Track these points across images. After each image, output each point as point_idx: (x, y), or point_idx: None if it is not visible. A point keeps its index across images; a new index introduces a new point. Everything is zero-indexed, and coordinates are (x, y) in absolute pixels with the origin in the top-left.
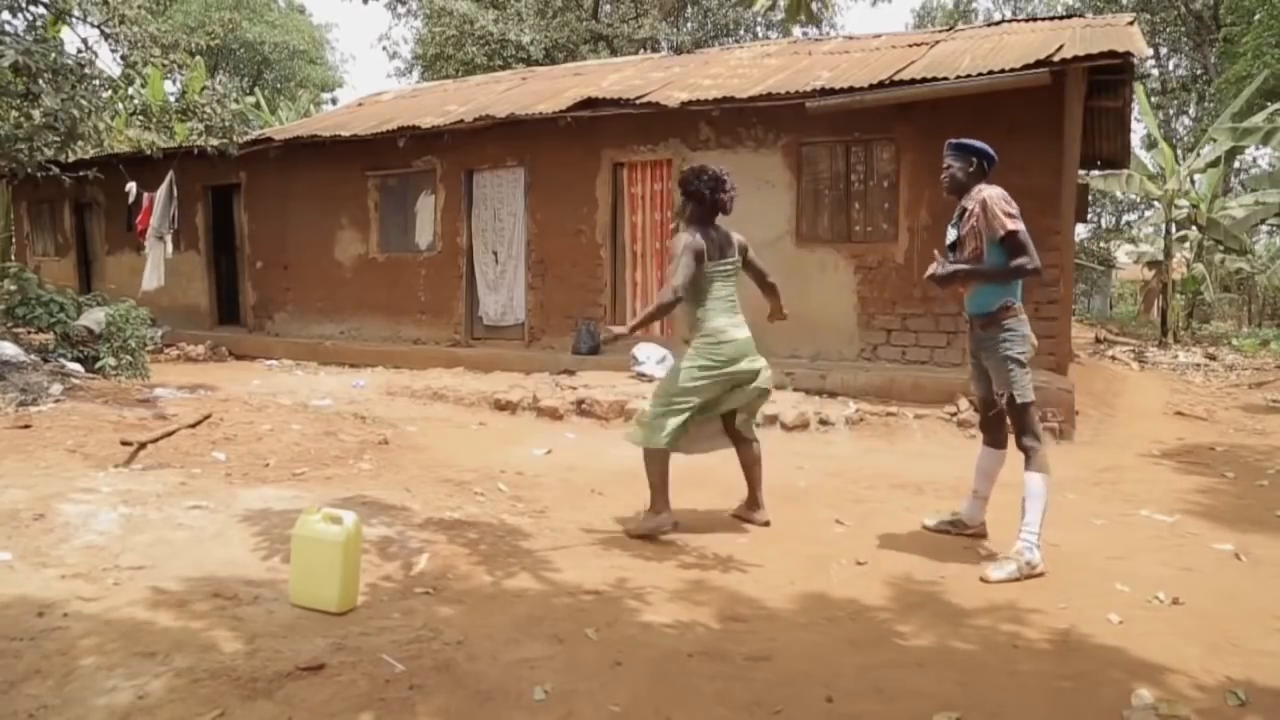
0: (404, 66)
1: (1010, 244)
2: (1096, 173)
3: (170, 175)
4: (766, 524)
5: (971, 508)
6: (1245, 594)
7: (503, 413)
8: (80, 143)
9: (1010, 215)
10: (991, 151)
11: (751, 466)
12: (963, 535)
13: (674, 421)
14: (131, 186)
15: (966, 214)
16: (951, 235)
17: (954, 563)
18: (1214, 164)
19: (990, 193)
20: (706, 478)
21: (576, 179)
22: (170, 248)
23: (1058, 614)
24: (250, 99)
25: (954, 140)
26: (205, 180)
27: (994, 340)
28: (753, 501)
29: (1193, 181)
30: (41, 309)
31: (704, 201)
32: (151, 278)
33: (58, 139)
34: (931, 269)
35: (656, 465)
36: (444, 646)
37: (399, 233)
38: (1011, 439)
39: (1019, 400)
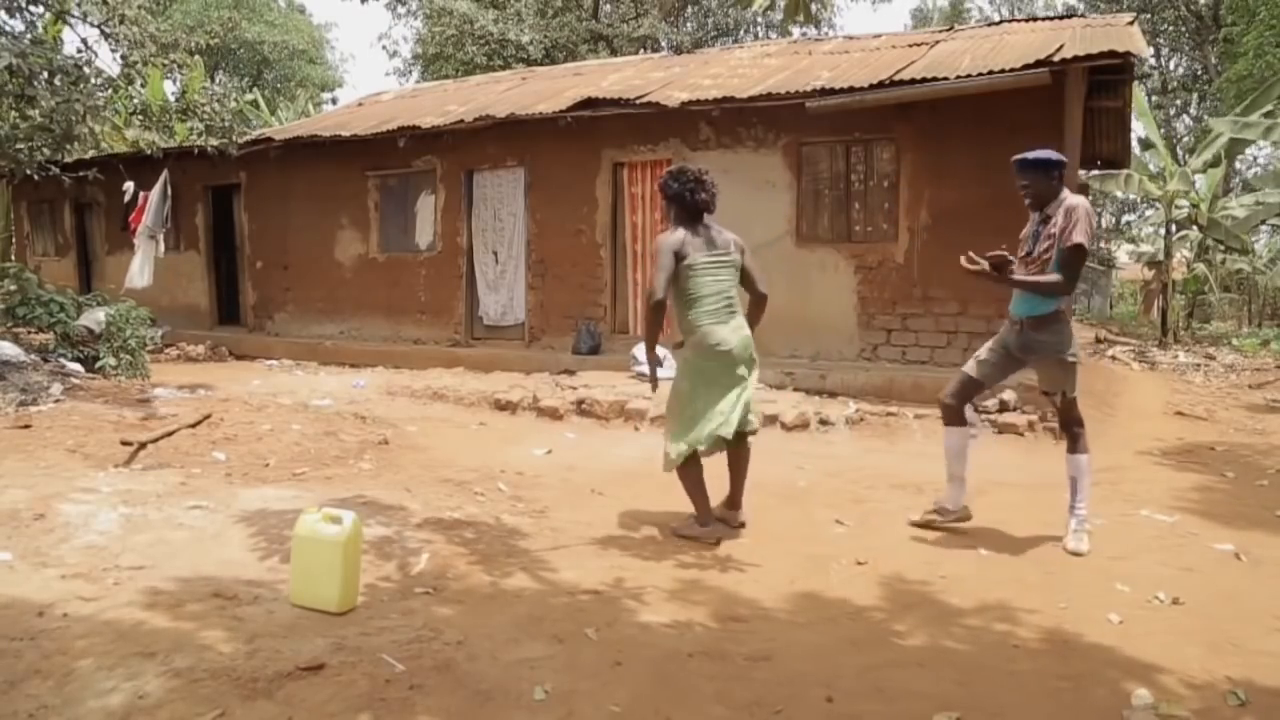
0: (404, 66)
1: (1069, 254)
2: (1096, 173)
3: (164, 174)
4: (742, 525)
5: (953, 492)
6: (1245, 594)
7: (503, 413)
8: (76, 144)
9: (1085, 232)
10: (1061, 157)
11: (739, 463)
12: (948, 522)
13: (691, 437)
14: (129, 186)
15: (1050, 221)
16: (1028, 247)
17: (954, 562)
18: (1214, 163)
19: (1076, 201)
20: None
21: (576, 179)
22: (161, 247)
23: (1058, 614)
24: (249, 98)
25: (1025, 158)
26: (205, 180)
27: (1049, 344)
28: (733, 500)
29: (1193, 181)
30: (41, 309)
31: (685, 203)
32: (139, 276)
33: (53, 141)
34: (990, 259)
35: (689, 479)
36: (444, 646)
37: (399, 233)
38: (1053, 427)
39: (1070, 395)
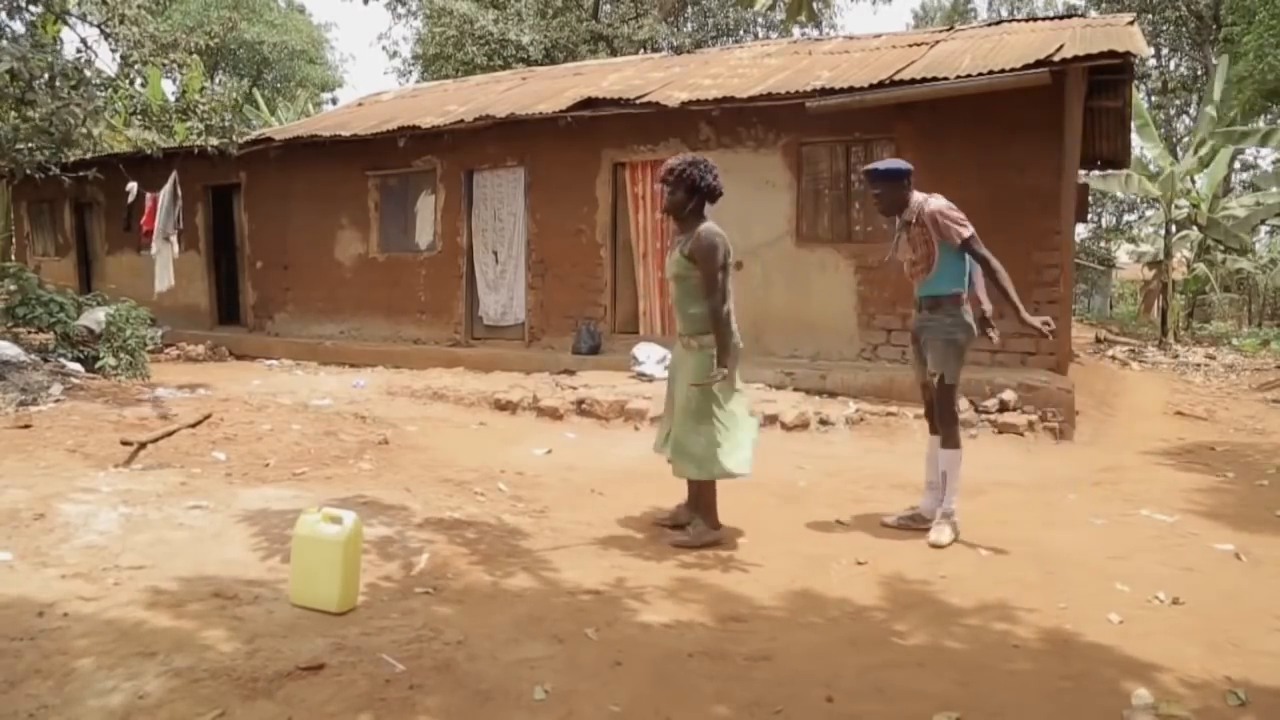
0: (404, 66)
1: (969, 248)
2: (1096, 173)
3: (174, 176)
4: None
5: (928, 500)
6: (1245, 594)
7: (503, 413)
8: (75, 148)
9: (960, 223)
10: (908, 166)
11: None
12: (923, 529)
13: (740, 439)
14: (132, 186)
15: (910, 226)
16: (907, 255)
17: (954, 562)
18: (1205, 163)
19: (935, 204)
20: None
21: (576, 179)
22: (176, 248)
23: (1058, 614)
24: (245, 93)
25: (875, 169)
26: (205, 180)
27: (941, 324)
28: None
29: (1193, 181)
30: (41, 309)
31: (715, 196)
32: (162, 279)
33: (52, 144)
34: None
35: (711, 487)
36: (444, 646)
37: (399, 233)
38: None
39: (948, 381)
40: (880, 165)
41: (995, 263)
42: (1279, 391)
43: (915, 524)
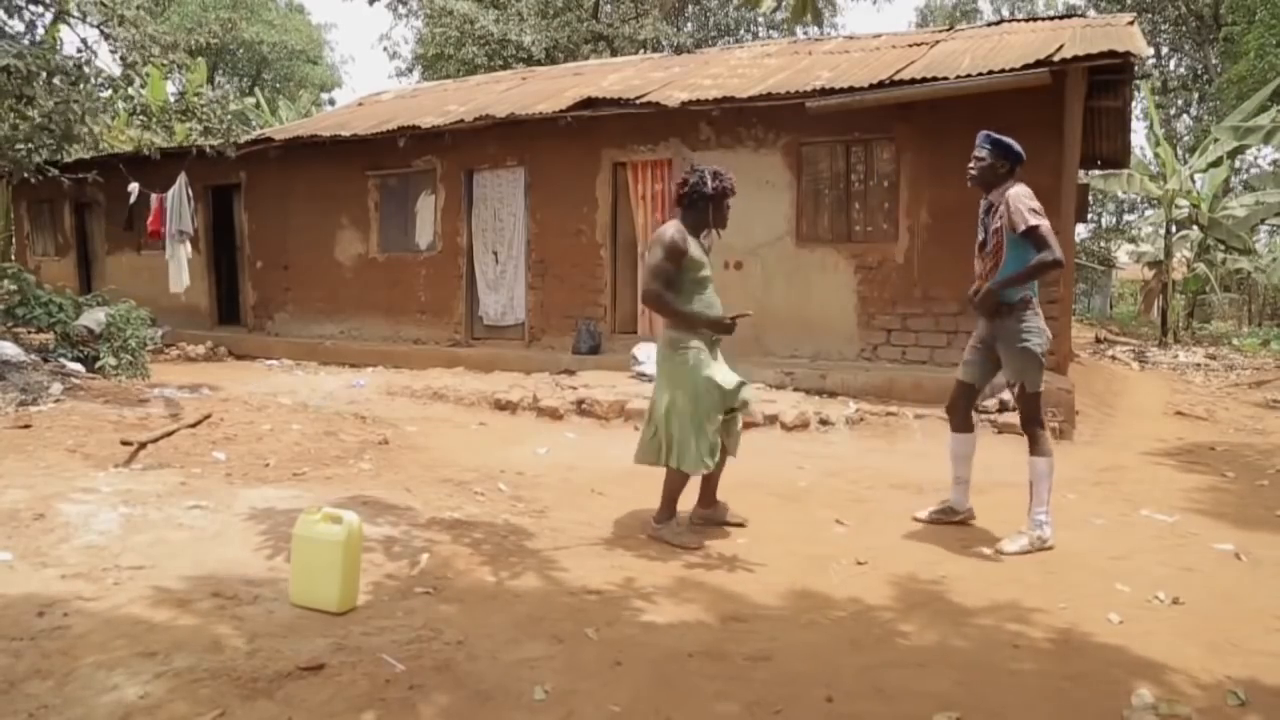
0: (404, 67)
1: (1032, 239)
2: (1096, 173)
3: (182, 176)
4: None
5: (957, 493)
6: (1245, 594)
7: (503, 413)
8: (75, 145)
9: (1033, 210)
10: (1022, 153)
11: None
12: (953, 522)
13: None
14: (134, 187)
15: (994, 211)
16: (981, 234)
17: (954, 562)
18: (1215, 164)
19: (1015, 190)
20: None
21: (577, 179)
22: (189, 249)
23: (1058, 614)
24: (250, 99)
25: (992, 134)
26: (205, 180)
27: (1013, 331)
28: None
29: (1194, 181)
30: (41, 309)
31: (689, 202)
32: (178, 279)
33: (52, 141)
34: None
35: (672, 477)
36: (444, 646)
37: (399, 233)
38: (1011, 424)
39: (1029, 390)
40: (998, 134)
41: (1046, 258)
42: (1270, 390)
43: (947, 517)
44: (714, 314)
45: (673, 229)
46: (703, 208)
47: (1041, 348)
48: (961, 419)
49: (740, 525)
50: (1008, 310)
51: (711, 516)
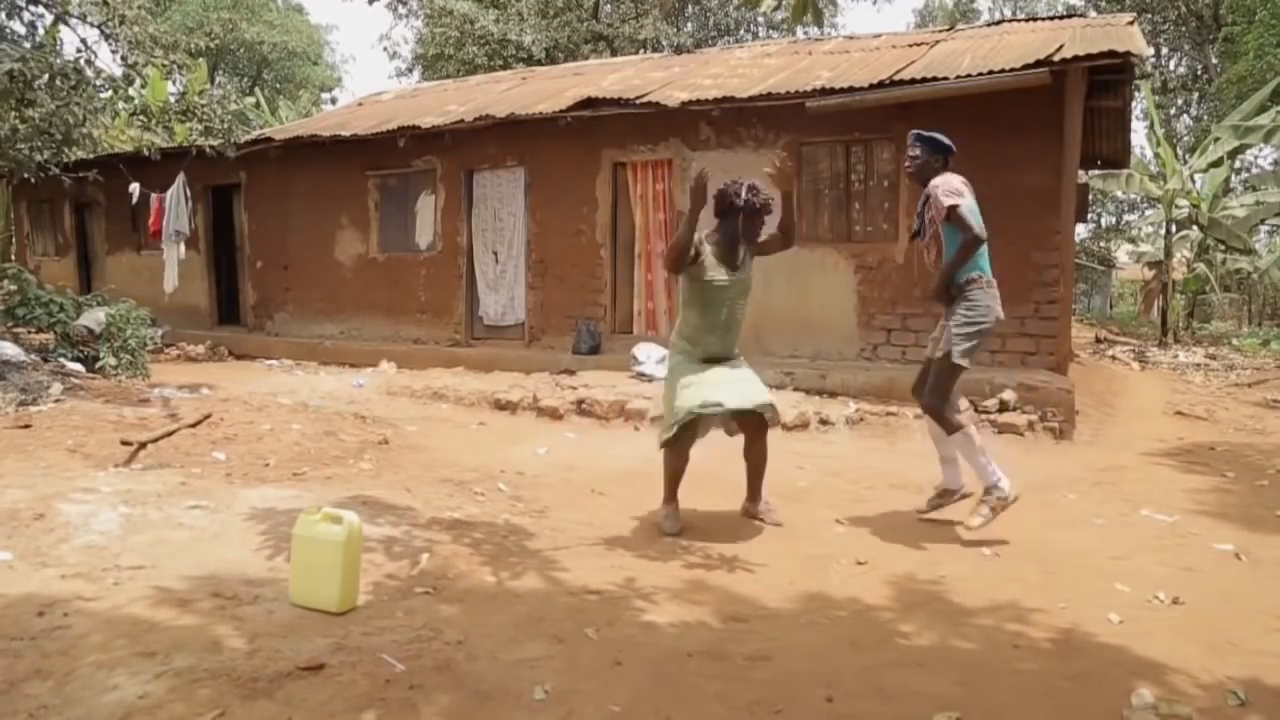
0: (404, 67)
1: (953, 220)
2: (1096, 173)
3: (181, 177)
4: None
5: (947, 473)
6: (1245, 594)
7: (503, 412)
8: (75, 147)
9: (949, 192)
10: (951, 145)
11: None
12: (953, 501)
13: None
14: (135, 187)
15: (928, 202)
16: (916, 225)
17: (954, 562)
18: (1216, 164)
19: (938, 179)
20: (706, 478)
21: (577, 179)
22: (183, 250)
23: (1058, 614)
24: (250, 99)
25: (921, 132)
26: (205, 180)
27: (958, 308)
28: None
29: (1194, 181)
30: (41, 309)
31: (719, 211)
32: (170, 279)
33: (53, 144)
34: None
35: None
36: (444, 646)
37: (399, 232)
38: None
39: (953, 359)
40: (926, 131)
41: (965, 237)
42: (1270, 390)
43: (946, 500)
44: (708, 327)
45: (701, 233)
46: (732, 219)
47: (982, 322)
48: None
49: (778, 525)
50: (957, 291)
51: (750, 510)
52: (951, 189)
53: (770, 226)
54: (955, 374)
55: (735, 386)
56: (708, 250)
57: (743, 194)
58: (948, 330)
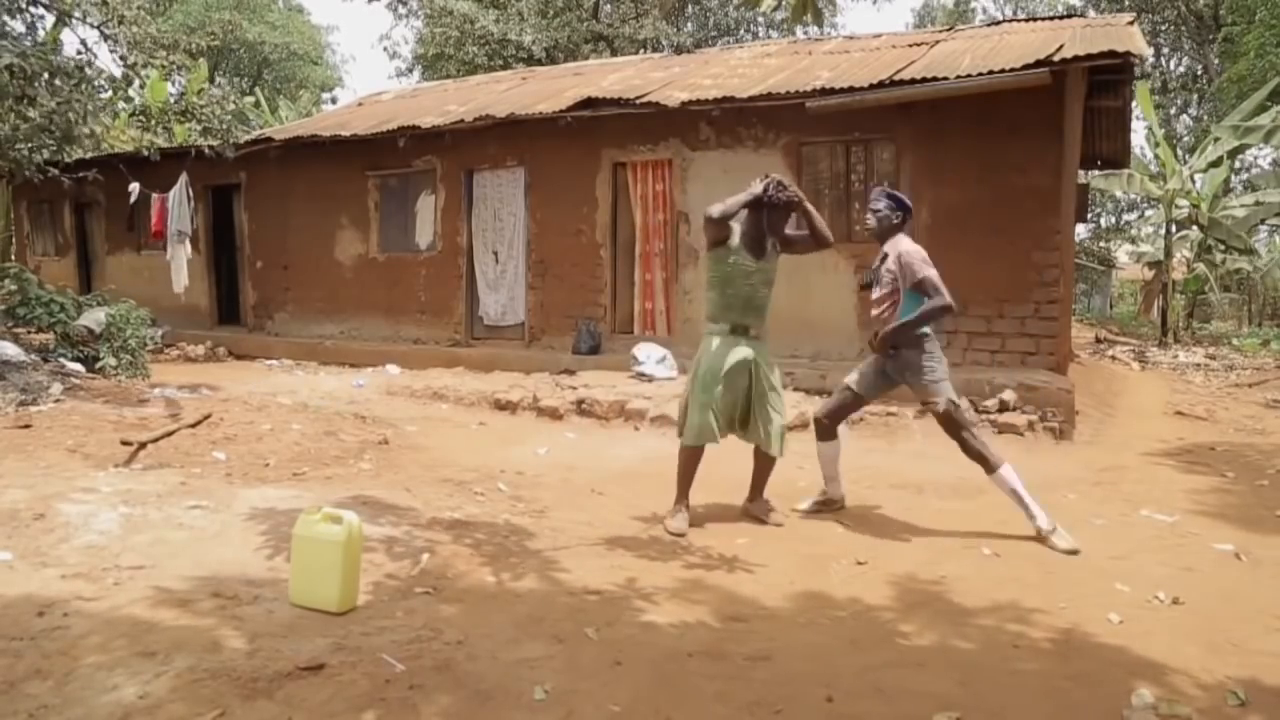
0: (404, 67)
1: (924, 289)
2: (1096, 173)
3: (184, 177)
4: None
5: (833, 489)
6: (1245, 594)
7: (503, 412)
8: (76, 146)
9: (923, 261)
10: (911, 206)
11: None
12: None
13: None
14: (135, 187)
15: (886, 260)
16: (869, 278)
17: (954, 562)
18: (1215, 164)
19: (907, 247)
20: (706, 476)
21: (576, 179)
22: (189, 249)
23: (1058, 614)
24: (250, 99)
25: (887, 189)
26: (205, 180)
27: (915, 365)
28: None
29: (1194, 181)
30: (41, 309)
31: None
32: (179, 279)
33: (54, 142)
34: (871, 341)
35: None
36: (444, 646)
37: (399, 232)
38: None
39: (952, 411)
40: (893, 190)
41: (938, 303)
42: (1270, 390)
43: (827, 508)
44: (728, 304)
45: (734, 223)
46: (757, 212)
47: (941, 365)
48: (829, 430)
49: (778, 526)
50: (908, 345)
51: (750, 510)
52: (924, 258)
53: (796, 224)
54: (959, 410)
55: (751, 423)
56: (737, 236)
57: (770, 189)
58: (921, 385)
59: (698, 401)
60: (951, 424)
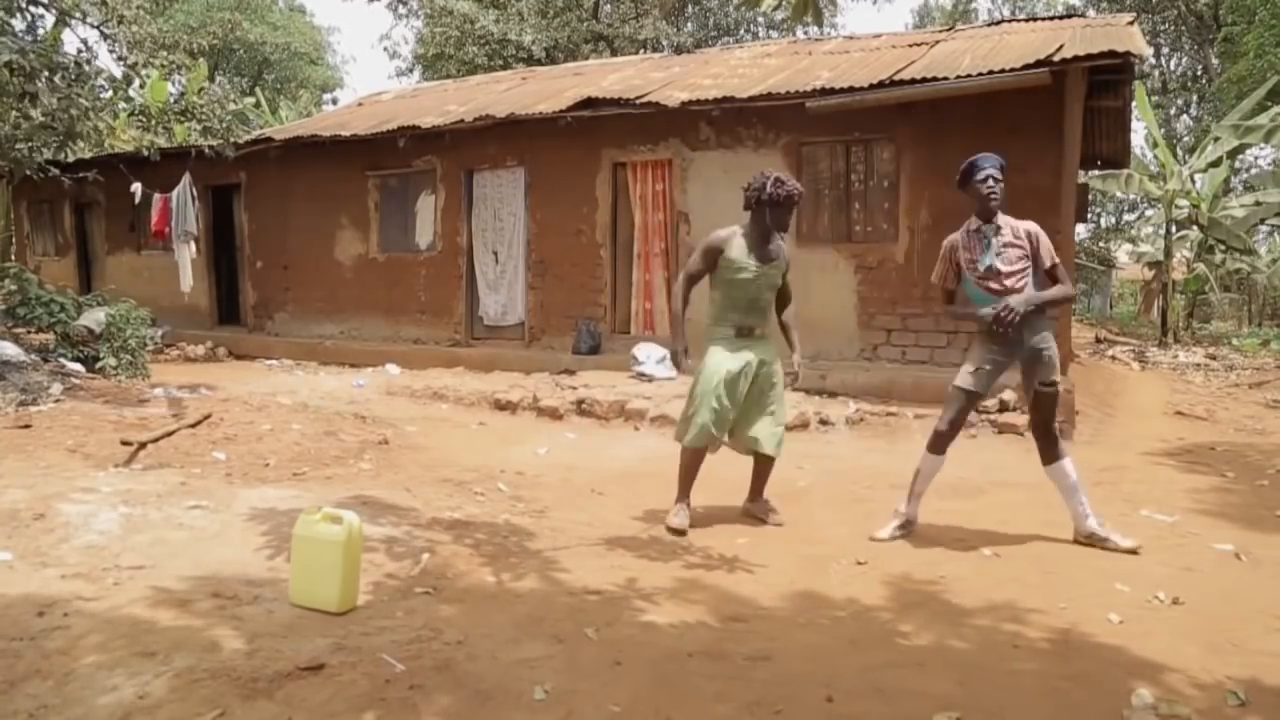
0: (405, 67)
1: (1059, 272)
2: (1096, 173)
3: (187, 177)
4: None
5: (913, 507)
6: (1245, 594)
7: (503, 412)
8: (79, 143)
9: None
10: None
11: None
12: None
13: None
14: (136, 187)
15: (1012, 237)
16: (990, 260)
17: (953, 562)
18: (1215, 164)
19: (1032, 226)
20: (706, 476)
21: (576, 179)
22: (193, 249)
23: (1058, 614)
24: (250, 99)
25: (999, 161)
26: (205, 180)
27: (1049, 345)
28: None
29: (1193, 181)
30: (41, 309)
31: (748, 205)
32: (185, 279)
33: (56, 139)
34: (1008, 305)
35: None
36: (444, 646)
37: (399, 233)
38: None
39: (1064, 390)
40: (997, 158)
41: (1071, 291)
42: (1270, 390)
43: (904, 531)
44: (732, 306)
45: (722, 231)
46: (761, 212)
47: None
48: (951, 439)
49: (778, 526)
50: (1046, 326)
51: (750, 510)
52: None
53: (797, 221)
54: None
55: (755, 424)
56: (736, 246)
57: (768, 186)
58: (1048, 365)
59: (703, 404)
60: (1055, 406)
